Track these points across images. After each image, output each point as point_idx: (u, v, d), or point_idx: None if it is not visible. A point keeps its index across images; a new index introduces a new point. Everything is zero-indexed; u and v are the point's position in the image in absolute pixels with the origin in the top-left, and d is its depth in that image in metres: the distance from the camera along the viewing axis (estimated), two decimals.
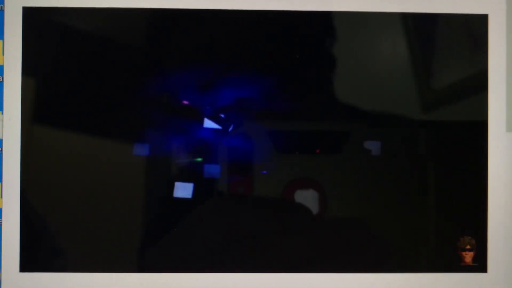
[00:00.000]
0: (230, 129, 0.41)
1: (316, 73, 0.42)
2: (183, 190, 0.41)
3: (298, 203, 0.42)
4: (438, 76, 0.43)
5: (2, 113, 0.41)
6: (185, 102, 0.41)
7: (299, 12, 0.42)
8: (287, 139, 0.42)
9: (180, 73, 0.41)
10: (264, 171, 0.41)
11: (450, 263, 0.42)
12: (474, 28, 0.43)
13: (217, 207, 0.41)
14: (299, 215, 0.42)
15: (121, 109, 0.41)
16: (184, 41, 0.42)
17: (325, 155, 0.42)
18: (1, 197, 0.41)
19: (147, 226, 0.41)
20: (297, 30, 0.42)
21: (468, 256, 0.42)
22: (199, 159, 0.41)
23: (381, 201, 0.42)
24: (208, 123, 0.41)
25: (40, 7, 0.41)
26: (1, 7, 0.41)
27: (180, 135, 0.41)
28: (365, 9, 0.42)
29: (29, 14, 0.41)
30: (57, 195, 0.41)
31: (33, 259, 0.41)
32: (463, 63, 0.43)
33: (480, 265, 0.42)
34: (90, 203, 0.41)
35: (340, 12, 0.42)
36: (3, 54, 0.41)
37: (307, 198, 0.42)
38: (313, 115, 0.42)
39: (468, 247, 0.42)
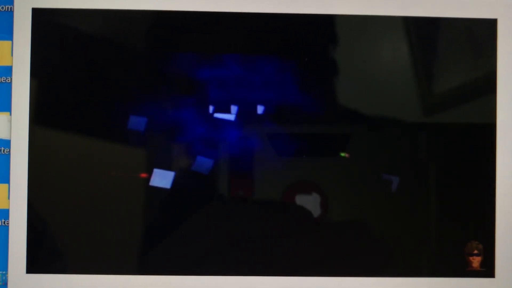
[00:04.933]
0: (234, 118, 0.41)
1: (317, 77, 0.42)
2: (161, 178, 0.41)
3: (299, 206, 0.41)
4: (442, 80, 0.43)
5: (10, 114, 0.41)
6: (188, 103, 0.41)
7: (300, 15, 0.42)
8: (287, 142, 0.41)
9: (183, 76, 0.41)
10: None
11: (457, 268, 0.42)
12: (478, 31, 0.43)
13: (217, 209, 0.41)
14: (300, 218, 0.42)
15: (129, 112, 0.41)
16: (189, 43, 0.42)
17: (326, 159, 0.42)
18: (8, 198, 0.41)
19: (150, 229, 0.41)
20: (298, 34, 0.42)
21: (476, 261, 0.42)
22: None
23: (387, 205, 0.42)
24: (217, 115, 0.41)
25: (49, 8, 0.41)
26: (11, 8, 0.41)
27: (181, 132, 0.41)
28: (368, 13, 0.42)
29: (38, 15, 0.41)
30: (63, 197, 0.41)
31: (39, 260, 0.41)
32: (465, 67, 0.43)
33: (487, 270, 0.42)
34: (95, 206, 0.41)
35: (341, 15, 0.42)
36: (12, 55, 0.41)
37: (308, 201, 0.41)
38: (314, 118, 0.42)
39: (475, 251, 0.42)
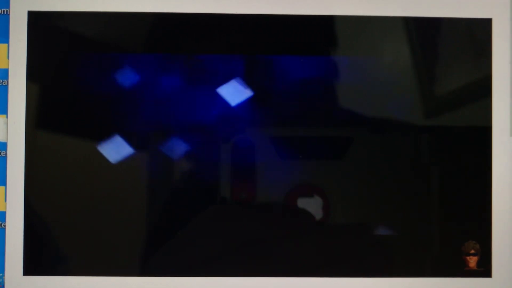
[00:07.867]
0: (235, 104, 0.41)
1: (318, 79, 0.42)
2: (113, 149, 0.40)
3: (301, 209, 0.42)
4: (441, 82, 0.43)
5: (7, 117, 0.41)
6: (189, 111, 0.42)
7: (301, 16, 0.42)
8: (289, 145, 0.42)
9: (183, 79, 0.42)
10: None
11: (454, 268, 0.42)
12: (478, 33, 0.43)
13: (219, 212, 0.41)
14: (302, 220, 0.42)
15: (126, 114, 0.41)
16: (188, 45, 0.42)
17: (328, 161, 0.42)
18: (5, 201, 0.41)
19: (150, 230, 0.41)
20: (299, 35, 0.42)
21: (473, 261, 0.42)
22: None
23: (385, 207, 0.42)
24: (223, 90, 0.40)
25: (45, 11, 0.41)
26: (7, 11, 0.42)
27: (184, 135, 0.41)
28: (367, 14, 0.42)
29: (34, 18, 0.41)
30: (60, 199, 0.41)
31: (36, 262, 0.41)
32: (467, 68, 0.43)
33: (484, 270, 0.42)
34: (93, 207, 0.41)
35: (342, 16, 0.42)
36: (8, 58, 0.41)
37: (310, 204, 0.42)
38: (315, 121, 0.42)
39: (472, 251, 0.42)
